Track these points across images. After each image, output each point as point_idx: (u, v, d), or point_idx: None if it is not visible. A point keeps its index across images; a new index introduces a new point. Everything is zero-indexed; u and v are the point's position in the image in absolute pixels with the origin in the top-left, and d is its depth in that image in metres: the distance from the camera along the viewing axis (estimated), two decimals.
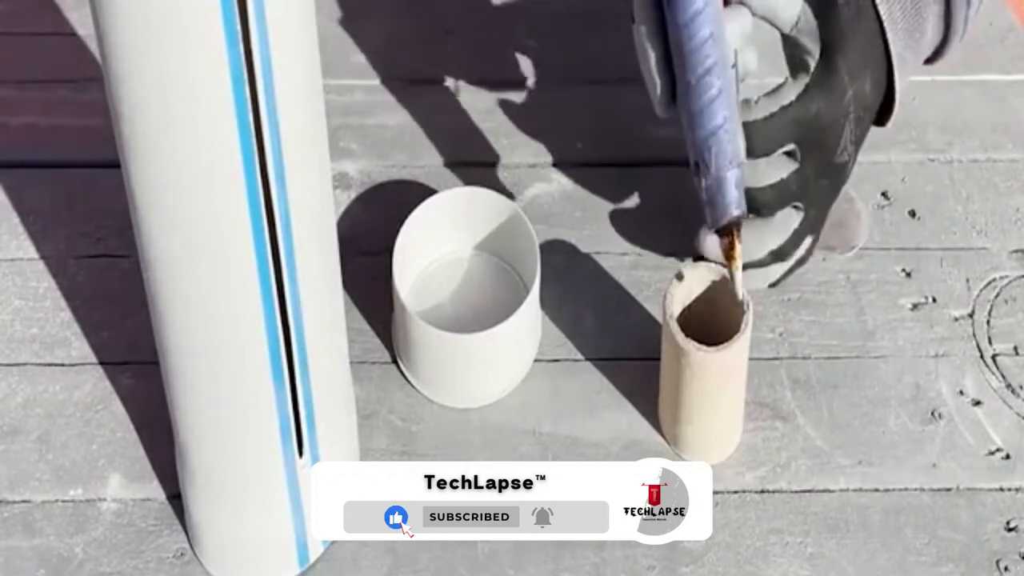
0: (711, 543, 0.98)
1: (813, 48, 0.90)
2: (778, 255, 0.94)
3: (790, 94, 0.90)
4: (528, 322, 1.03)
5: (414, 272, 1.07)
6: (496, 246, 1.08)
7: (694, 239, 0.95)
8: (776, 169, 0.91)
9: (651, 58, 0.90)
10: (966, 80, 1.22)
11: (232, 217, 0.78)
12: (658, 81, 0.90)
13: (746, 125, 0.88)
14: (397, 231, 1.04)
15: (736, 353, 0.94)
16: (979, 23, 1.25)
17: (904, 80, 0.93)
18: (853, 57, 0.90)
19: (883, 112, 0.95)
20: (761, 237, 0.94)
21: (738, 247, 0.90)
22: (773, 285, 0.96)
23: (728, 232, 0.90)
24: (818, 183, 0.92)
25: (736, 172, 0.87)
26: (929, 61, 0.97)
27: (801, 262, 0.96)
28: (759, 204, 0.91)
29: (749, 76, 0.89)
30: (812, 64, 0.90)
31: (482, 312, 1.05)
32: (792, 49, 0.91)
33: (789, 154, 0.91)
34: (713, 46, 0.86)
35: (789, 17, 0.90)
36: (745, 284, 0.93)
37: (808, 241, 0.95)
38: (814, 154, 0.91)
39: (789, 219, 0.94)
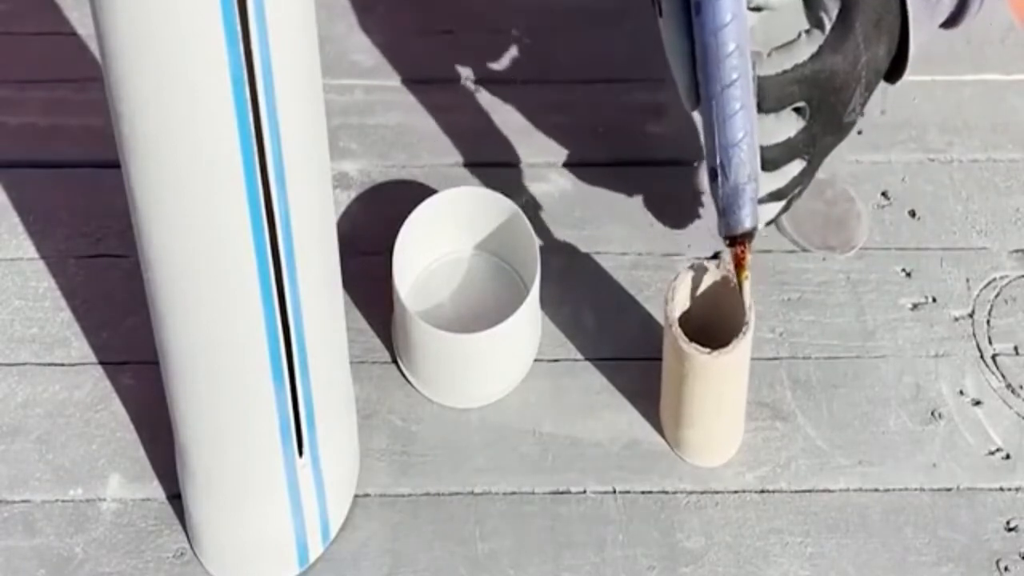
0: (711, 543, 0.98)
1: (832, 7, 0.90)
2: (776, 196, 0.94)
3: (803, 52, 0.89)
4: (528, 322, 1.03)
5: (414, 272, 1.07)
6: (496, 246, 1.08)
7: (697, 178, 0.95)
8: (785, 125, 0.91)
9: (677, 55, 0.89)
10: (966, 80, 1.22)
11: (232, 217, 0.78)
12: (684, 79, 0.90)
13: (759, 80, 0.88)
14: (397, 231, 1.04)
15: (738, 356, 0.94)
16: (979, 23, 1.26)
17: (918, 41, 0.93)
18: (870, 20, 0.90)
19: (893, 70, 0.95)
20: (762, 181, 0.93)
21: (748, 258, 0.91)
22: (769, 223, 0.96)
23: (740, 242, 0.90)
24: (824, 139, 0.93)
25: (752, 186, 0.88)
26: (944, 26, 0.97)
27: (796, 197, 0.96)
28: (766, 160, 0.91)
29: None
30: (828, 24, 0.89)
31: (482, 312, 1.05)
32: (811, 5, 0.91)
33: (798, 111, 0.91)
34: (738, 59, 0.86)
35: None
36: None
37: (805, 181, 0.95)
38: (823, 114, 0.91)
39: (791, 166, 0.93)
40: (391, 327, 1.06)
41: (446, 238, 1.08)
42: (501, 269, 1.09)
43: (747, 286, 0.92)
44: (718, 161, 0.88)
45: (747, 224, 0.89)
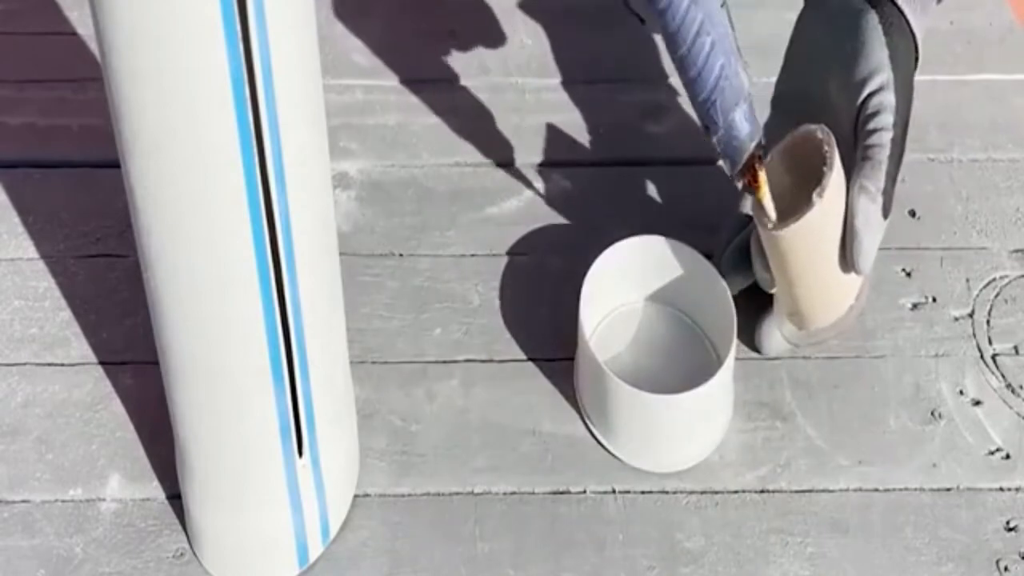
0: (711, 543, 0.98)
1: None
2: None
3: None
4: (722, 387, 1.00)
5: (595, 320, 1.05)
6: (674, 298, 1.06)
7: (757, 336, 1.03)
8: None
9: None
10: (966, 80, 1.22)
11: (232, 217, 0.78)
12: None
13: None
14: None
15: (803, 233, 0.93)
16: (979, 23, 1.26)
17: (922, 32, 0.96)
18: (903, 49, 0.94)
19: None
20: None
21: (762, 176, 0.92)
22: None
23: (750, 167, 0.92)
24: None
25: (744, 107, 0.90)
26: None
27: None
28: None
29: None
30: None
31: (661, 365, 1.04)
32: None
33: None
34: (695, 9, 0.88)
35: None
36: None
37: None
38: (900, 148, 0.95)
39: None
40: (574, 374, 1.04)
41: (626, 288, 1.06)
42: (680, 321, 1.06)
43: (768, 201, 0.93)
44: (706, 114, 0.90)
45: (750, 145, 0.91)
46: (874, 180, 0.93)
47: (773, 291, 1.00)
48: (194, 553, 0.98)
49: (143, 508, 1.00)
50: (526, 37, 1.24)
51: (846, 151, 0.94)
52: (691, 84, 0.90)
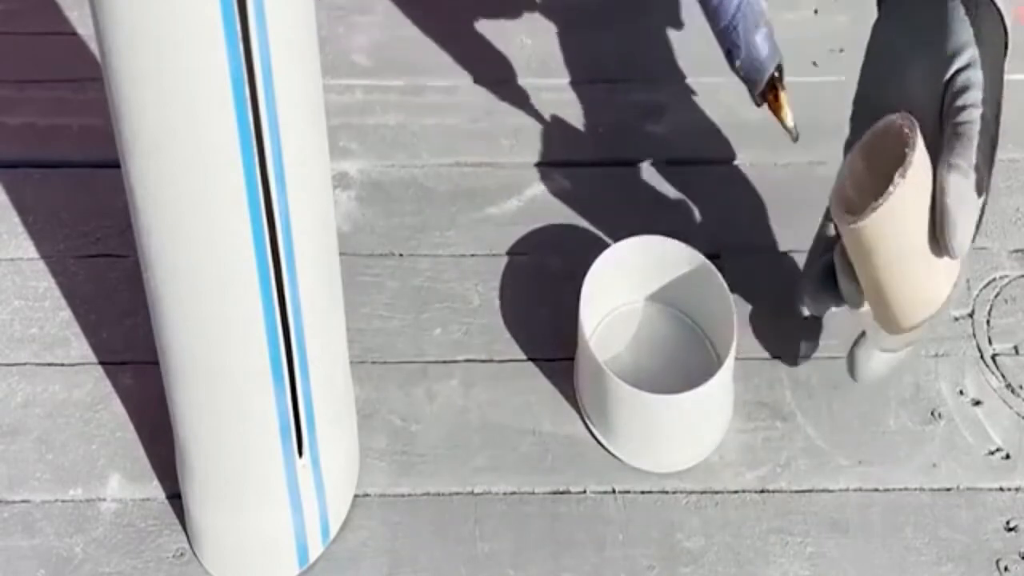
0: (711, 543, 0.98)
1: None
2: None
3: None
4: (722, 386, 1.00)
5: (595, 320, 1.05)
6: (674, 298, 1.06)
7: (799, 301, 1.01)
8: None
9: None
10: None
11: (232, 217, 0.78)
12: None
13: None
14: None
15: (884, 218, 0.86)
16: None
17: (1008, 11, 0.92)
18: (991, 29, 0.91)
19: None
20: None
21: (783, 95, 0.95)
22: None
23: (772, 87, 0.94)
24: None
25: (764, 30, 0.93)
26: None
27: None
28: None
29: None
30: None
31: (661, 365, 1.03)
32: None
33: None
34: None
35: None
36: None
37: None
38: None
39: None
40: (574, 374, 1.04)
41: (626, 287, 1.06)
42: (680, 321, 1.06)
43: (789, 115, 0.95)
44: (728, 40, 0.93)
45: (770, 67, 0.94)
46: (965, 157, 0.86)
47: (862, 310, 0.94)
48: (194, 553, 0.98)
49: (143, 508, 1.00)
50: (526, 37, 1.24)
51: (931, 142, 0.88)
52: (714, 12, 0.93)
